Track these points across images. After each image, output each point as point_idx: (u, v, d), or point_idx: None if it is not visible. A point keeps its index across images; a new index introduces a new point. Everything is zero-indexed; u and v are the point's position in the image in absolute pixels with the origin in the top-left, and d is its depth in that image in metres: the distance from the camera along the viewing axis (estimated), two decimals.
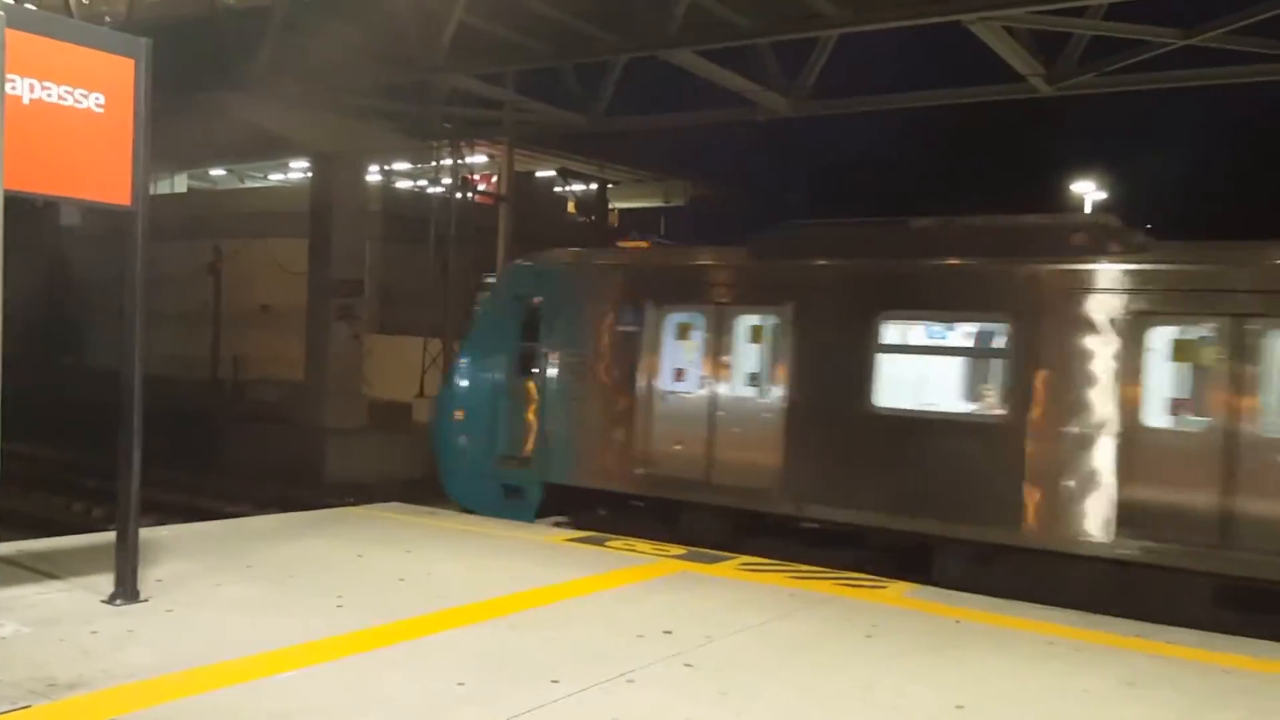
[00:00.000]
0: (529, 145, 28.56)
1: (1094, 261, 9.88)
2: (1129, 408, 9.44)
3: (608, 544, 9.70)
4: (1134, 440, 9.37)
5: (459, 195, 25.67)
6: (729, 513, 11.45)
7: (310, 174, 25.75)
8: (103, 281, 24.61)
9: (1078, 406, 9.66)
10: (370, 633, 6.37)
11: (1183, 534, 9.09)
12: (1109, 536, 9.41)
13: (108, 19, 19.70)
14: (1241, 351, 8.98)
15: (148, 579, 7.12)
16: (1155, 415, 9.52)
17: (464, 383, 13.62)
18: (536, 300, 13.24)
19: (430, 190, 28.11)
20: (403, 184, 35.03)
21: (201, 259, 28.32)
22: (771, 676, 5.90)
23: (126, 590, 6.75)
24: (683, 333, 12.18)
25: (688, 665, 6.03)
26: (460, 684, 5.50)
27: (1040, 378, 9.89)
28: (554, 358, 12.83)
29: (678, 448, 11.84)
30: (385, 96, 21.30)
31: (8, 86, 5.70)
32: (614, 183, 36.44)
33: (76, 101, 6.27)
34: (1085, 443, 9.59)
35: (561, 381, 12.75)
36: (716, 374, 11.81)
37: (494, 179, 30.61)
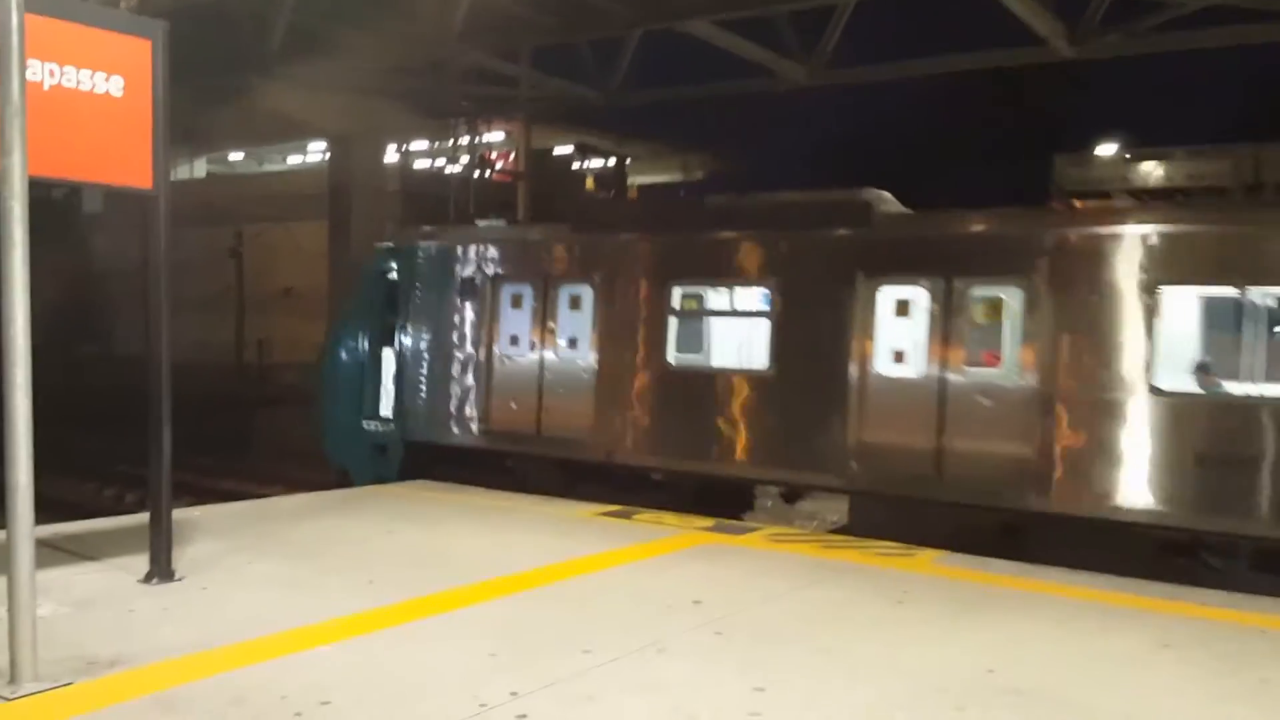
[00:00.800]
0: (546, 121, 28.50)
1: (836, 231, 11.13)
2: (862, 359, 10.70)
3: (635, 517, 9.73)
4: (866, 388, 10.69)
5: (477, 173, 25.65)
6: (556, 462, 12.52)
7: (328, 156, 25.79)
8: (126, 270, 24.80)
9: (825, 360, 10.81)
10: (401, 607, 6.43)
11: (898, 467, 10.41)
12: (841, 473, 10.74)
13: (123, 4, 19.74)
14: (950, 308, 10.29)
15: (182, 559, 7.21)
16: (886, 364, 10.76)
17: (337, 353, 14.50)
18: (394, 276, 14.29)
19: (448, 169, 28.11)
20: (421, 163, 35.05)
21: (223, 244, 28.48)
22: (801, 644, 5.92)
23: (161, 570, 6.84)
24: (516, 302, 13.27)
25: (718, 634, 6.06)
26: (493, 655, 5.54)
27: (795, 337, 11.11)
28: (409, 328, 13.98)
29: (513, 406, 12.94)
30: (401, 76, 21.28)
31: (28, 72, 5.72)
32: (632, 157, 36.31)
33: (95, 85, 6.27)
34: (832, 391, 10.76)
35: (415, 350, 13.91)
36: (544, 340, 12.83)
37: (512, 156, 30.57)
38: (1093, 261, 9.61)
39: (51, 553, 7.35)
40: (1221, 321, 9.38)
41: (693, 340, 12.06)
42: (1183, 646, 6.07)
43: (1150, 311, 9.31)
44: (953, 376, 10.20)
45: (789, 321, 11.08)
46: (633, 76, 19.81)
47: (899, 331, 10.71)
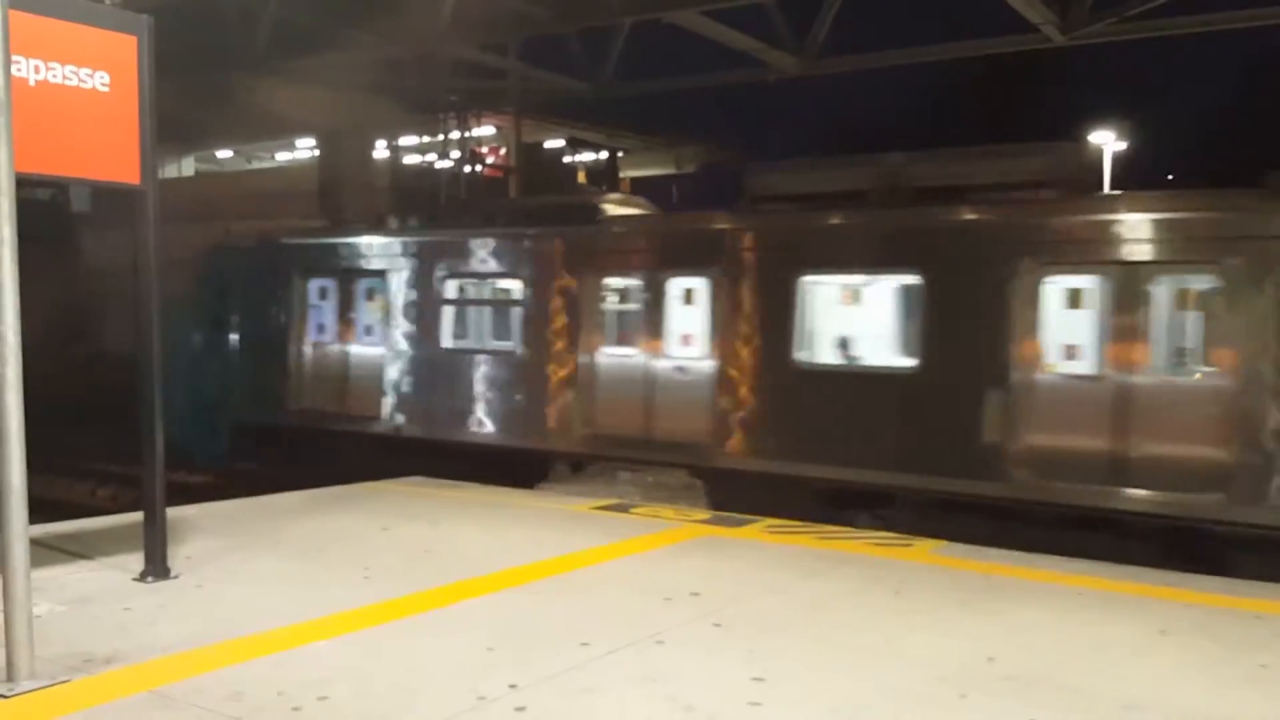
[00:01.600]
0: (536, 115, 28.36)
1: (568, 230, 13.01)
2: (590, 341, 12.59)
3: (632, 511, 9.71)
4: (594, 365, 12.60)
5: (467, 168, 25.56)
6: (357, 436, 14.18)
7: (317, 152, 25.68)
8: (118, 270, 24.63)
9: (558, 341, 12.77)
10: (399, 602, 6.40)
11: (618, 432, 12.38)
12: (573, 440, 12.61)
13: (108, 0, 19.62)
14: (660, 299, 12.21)
15: (177, 556, 7.18)
16: (612, 346, 12.77)
17: (179, 342, 15.30)
18: (224, 273, 16.07)
19: (439, 164, 27.99)
20: (410, 159, 34.88)
21: (213, 242, 28.32)
22: (800, 634, 5.91)
23: (157, 568, 6.81)
24: (323, 295, 15.14)
25: (716, 625, 6.04)
26: (490, 649, 5.52)
27: (537, 322, 12.95)
28: (234, 320, 15.77)
29: (323, 387, 14.74)
30: (389, 71, 21.18)
31: (13, 68, 5.66)
32: (624, 150, 36.17)
33: (81, 81, 6.22)
34: (564, 367, 12.67)
35: (240, 339, 15.77)
36: (348, 328, 14.75)
37: (502, 151, 30.46)
38: (756, 255, 11.47)
39: (47, 552, 7.32)
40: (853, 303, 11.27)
41: (464, 326, 14.11)
42: (1182, 633, 6.07)
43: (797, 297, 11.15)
44: (657, 359, 12.16)
45: (535, 309, 13.05)
46: (623, 69, 19.77)
47: (622, 317, 12.86)
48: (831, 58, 17.91)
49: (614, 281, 12.78)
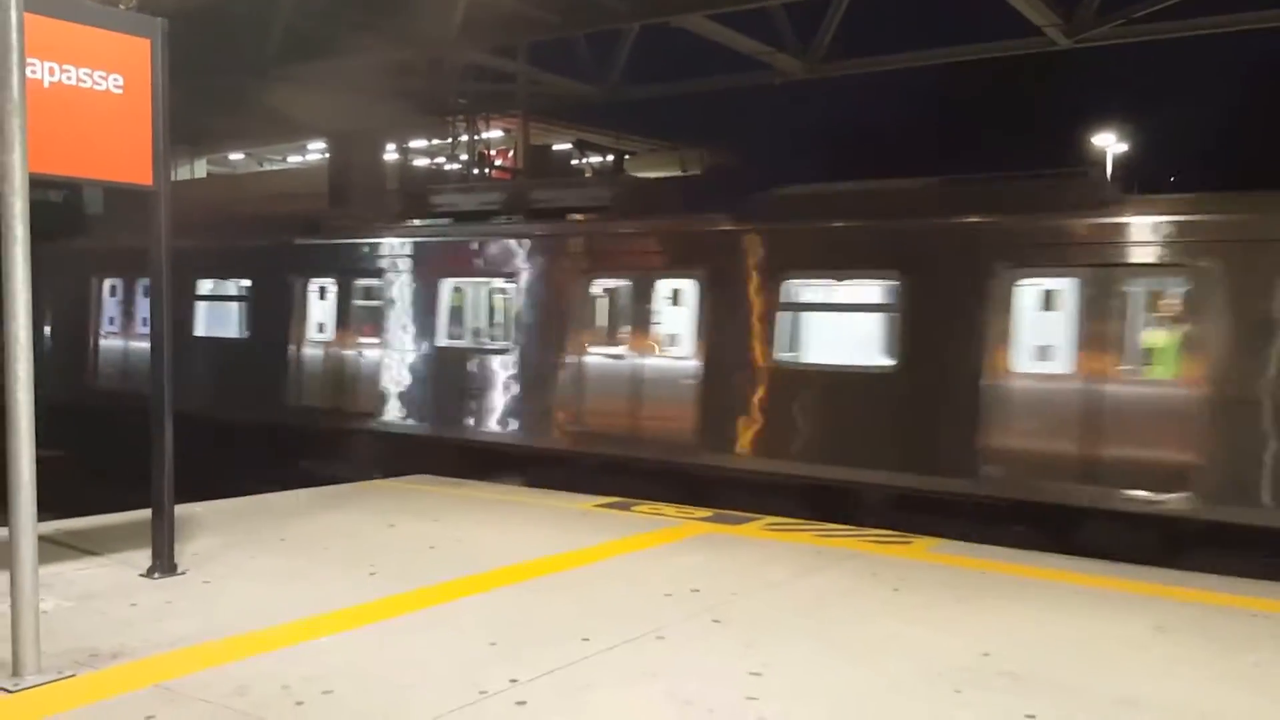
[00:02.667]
0: (544, 118, 28.50)
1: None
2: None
3: (634, 509, 9.78)
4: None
5: (476, 171, 25.67)
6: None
7: (327, 155, 25.82)
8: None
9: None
10: (403, 598, 6.48)
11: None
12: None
13: (122, 5, 19.76)
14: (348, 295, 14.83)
15: (184, 553, 7.27)
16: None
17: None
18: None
19: (448, 167, 28.11)
20: (420, 162, 35.03)
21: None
22: (798, 630, 5.97)
23: (164, 564, 6.89)
24: (112, 292, 17.96)
25: (716, 621, 6.11)
26: (492, 644, 5.60)
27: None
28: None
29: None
30: (399, 74, 21.31)
31: (28, 70, 5.77)
32: (630, 153, 36.27)
33: (95, 83, 6.32)
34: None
35: (56, 327, 18.77)
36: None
37: (510, 153, 30.58)
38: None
39: (54, 548, 7.41)
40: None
41: (223, 319, 16.55)
42: (1177, 630, 6.11)
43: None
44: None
45: (262, 305, 15.73)
46: (630, 72, 19.87)
47: (353, 314, 15.03)
48: (837, 61, 17.98)
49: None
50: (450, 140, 26.20)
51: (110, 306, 18.24)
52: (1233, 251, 9.03)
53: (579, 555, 7.76)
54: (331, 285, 15.20)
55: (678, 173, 39.39)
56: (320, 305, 15.42)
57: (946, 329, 10.18)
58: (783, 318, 11.19)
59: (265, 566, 7.31)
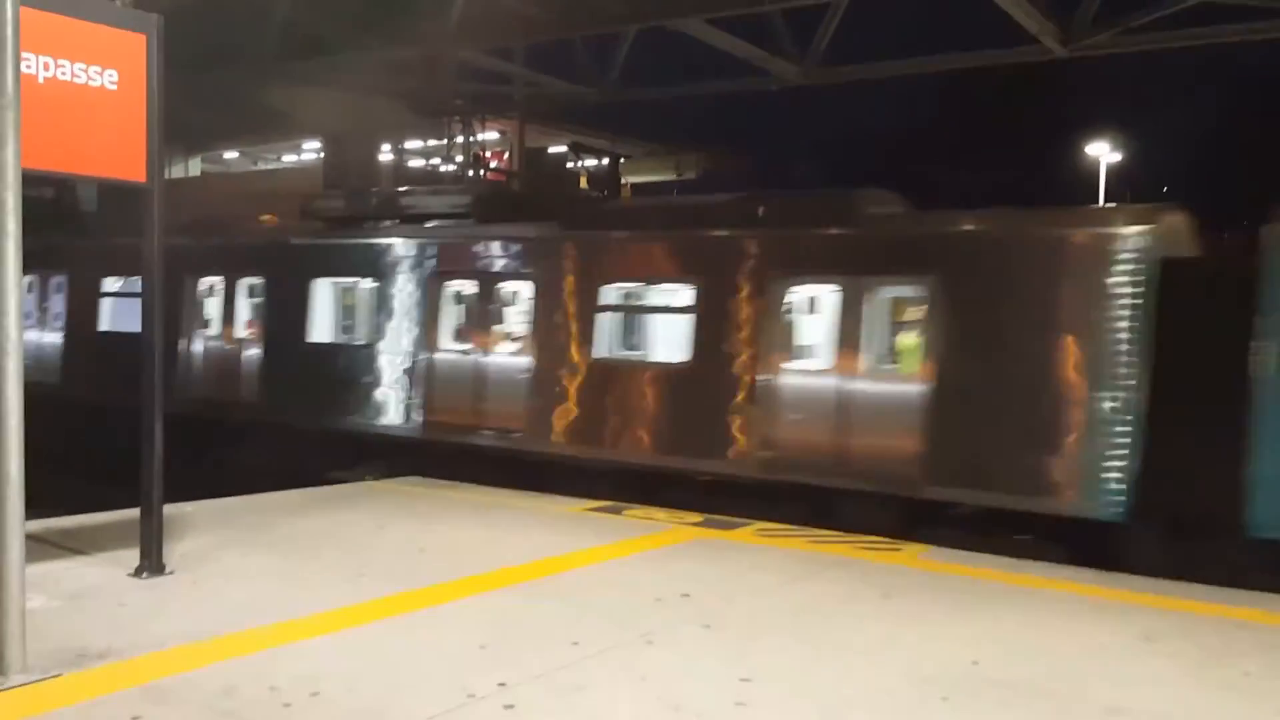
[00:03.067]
0: (540, 120, 28.49)
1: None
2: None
3: (625, 513, 9.77)
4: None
5: (471, 172, 25.65)
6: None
7: (322, 154, 25.78)
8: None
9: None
10: (392, 600, 6.47)
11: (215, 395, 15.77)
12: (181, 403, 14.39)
13: (118, 0, 19.72)
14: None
15: (173, 553, 7.24)
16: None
17: None
18: None
19: (443, 168, 28.09)
20: (415, 162, 35.00)
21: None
22: (788, 636, 5.97)
23: (152, 564, 6.87)
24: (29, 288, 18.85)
25: (706, 626, 6.10)
26: (482, 647, 5.58)
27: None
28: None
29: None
30: (396, 74, 21.30)
31: (23, 65, 5.74)
32: (626, 156, 36.26)
33: (90, 79, 6.30)
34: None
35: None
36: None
37: (506, 155, 30.56)
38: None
39: (42, 547, 7.38)
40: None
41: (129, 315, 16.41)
42: (1167, 639, 6.12)
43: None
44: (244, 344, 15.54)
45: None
46: (627, 75, 19.87)
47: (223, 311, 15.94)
48: (833, 67, 18.00)
49: (246, 282, 15.66)
50: (446, 141, 26.17)
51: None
52: (950, 263, 10.17)
53: (569, 559, 7.75)
54: (220, 284, 16.00)
55: (673, 176, 39.49)
56: (210, 302, 16.38)
57: (730, 329, 11.28)
58: (600, 318, 12.25)
59: (254, 567, 7.29)
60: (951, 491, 9.89)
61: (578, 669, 5.31)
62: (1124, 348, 9.20)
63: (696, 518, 9.58)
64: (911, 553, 8.31)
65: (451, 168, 26.44)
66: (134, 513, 7.05)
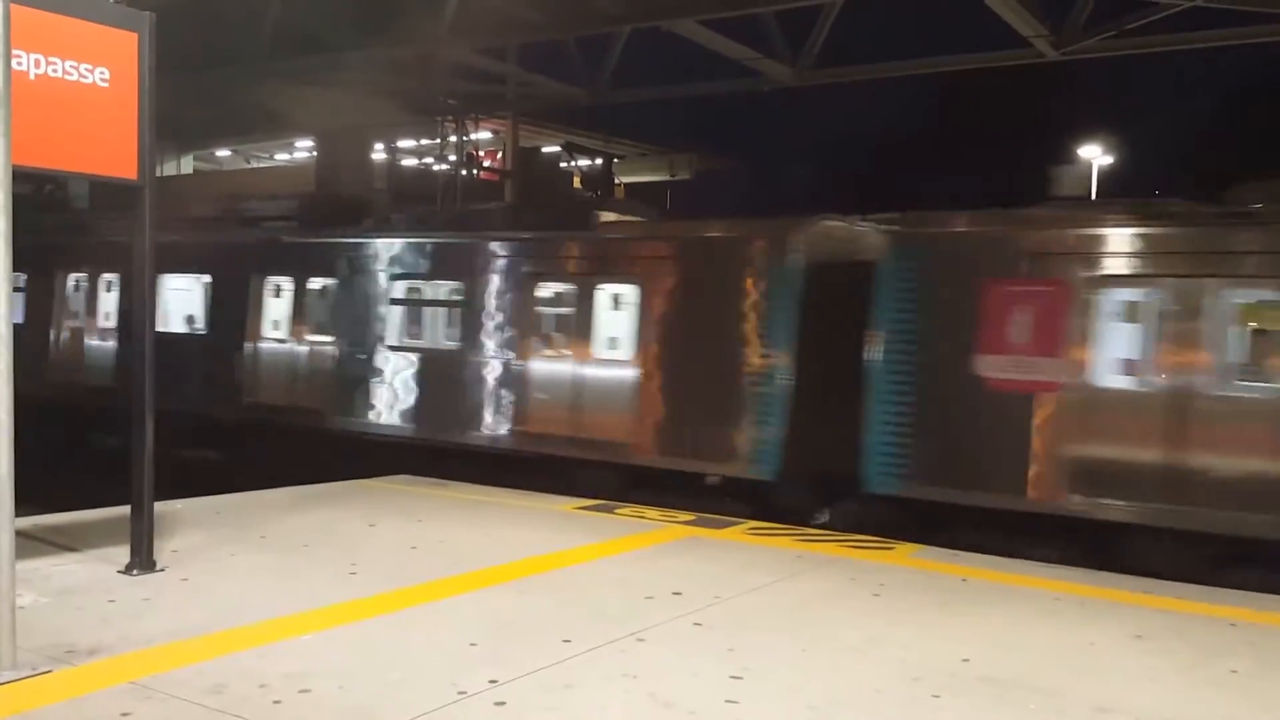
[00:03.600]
0: (533, 120, 28.50)
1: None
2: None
3: (616, 511, 9.78)
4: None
5: (464, 171, 25.64)
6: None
7: (315, 153, 25.74)
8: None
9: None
10: (384, 598, 6.46)
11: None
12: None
13: None
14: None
15: (163, 550, 7.23)
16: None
17: None
18: None
19: (436, 167, 28.08)
20: (408, 161, 34.97)
21: None
22: (779, 634, 5.98)
23: (143, 560, 6.85)
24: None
25: (697, 624, 6.11)
26: (473, 644, 5.58)
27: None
28: None
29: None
30: (389, 73, 21.27)
31: (14, 62, 5.73)
32: (619, 157, 36.27)
33: (81, 76, 6.28)
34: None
35: None
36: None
37: (499, 155, 30.57)
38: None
39: (32, 543, 7.35)
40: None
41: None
42: (1156, 638, 6.15)
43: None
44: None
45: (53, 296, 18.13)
46: (621, 75, 19.88)
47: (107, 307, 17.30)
48: (826, 69, 18.04)
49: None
50: (439, 141, 26.15)
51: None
52: (650, 266, 12.06)
53: (561, 557, 7.75)
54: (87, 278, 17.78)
55: (667, 176, 39.44)
56: (107, 297, 17.84)
57: (489, 320, 13.30)
58: (391, 310, 14.27)
59: (245, 564, 7.28)
60: (660, 460, 11.73)
61: (569, 666, 5.31)
62: (776, 338, 11.06)
63: (688, 516, 9.59)
64: (903, 551, 8.33)
65: (444, 167, 26.43)
66: (125, 510, 7.04)
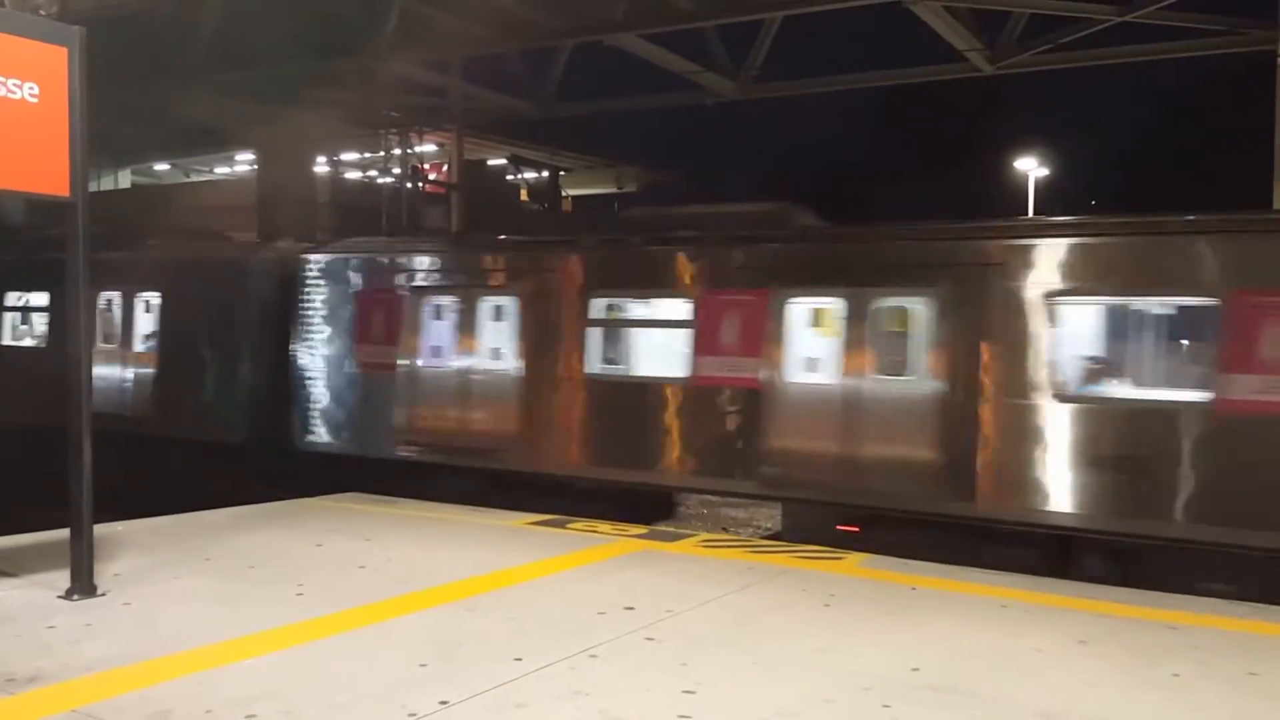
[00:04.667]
0: (478, 133, 28.39)
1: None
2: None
3: (568, 526, 9.74)
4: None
5: (409, 185, 25.45)
6: None
7: (256, 166, 25.41)
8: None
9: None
10: (331, 619, 6.37)
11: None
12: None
13: (42, 11, 19.25)
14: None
15: (104, 574, 7.07)
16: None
17: None
18: None
19: (380, 180, 27.85)
20: (352, 175, 34.65)
21: None
22: (731, 646, 5.99)
23: (83, 585, 6.69)
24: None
25: (649, 639, 6.10)
26: (422, 665, 5.52)
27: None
28: None
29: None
30: (330, 85, 21.07)
31: None
32: (566, 169, 36.32)
33: (9, 92, 6.18)
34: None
35: None
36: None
37: (444, 168, 30.39)
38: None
39: None
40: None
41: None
42: (1099, 642, 6.26)
43: None
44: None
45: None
46: (565, 89, 19.93)
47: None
48: (767, 83, 18.23)
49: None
50: (383, 154, 25.95)
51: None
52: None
53: (512, 574, 7.70)
54: None
55: (614, 189, 39.53)
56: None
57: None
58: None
59: (189, 587, 7.13)
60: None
61: (520, 685, 5.27)
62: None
63: (640, 530, 9.59)
64: (851, 561, 8.40)
65: (389, 180, 26.21)
66: (64, 533, 6.87)
